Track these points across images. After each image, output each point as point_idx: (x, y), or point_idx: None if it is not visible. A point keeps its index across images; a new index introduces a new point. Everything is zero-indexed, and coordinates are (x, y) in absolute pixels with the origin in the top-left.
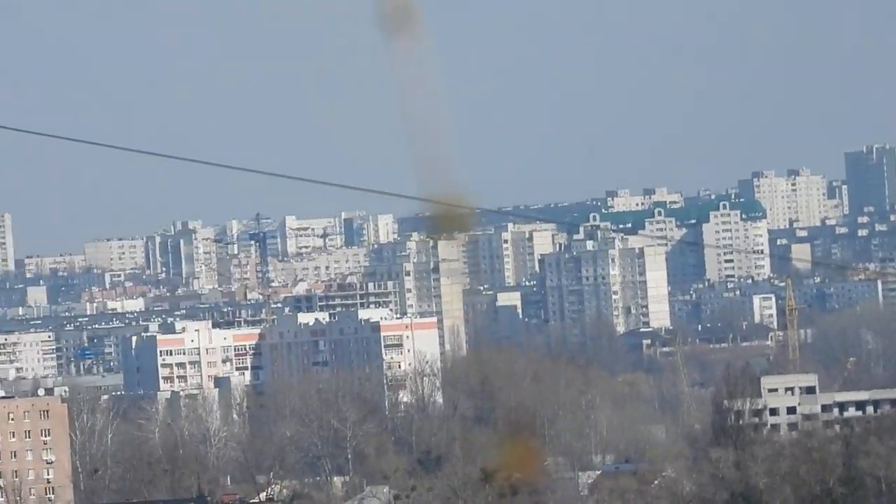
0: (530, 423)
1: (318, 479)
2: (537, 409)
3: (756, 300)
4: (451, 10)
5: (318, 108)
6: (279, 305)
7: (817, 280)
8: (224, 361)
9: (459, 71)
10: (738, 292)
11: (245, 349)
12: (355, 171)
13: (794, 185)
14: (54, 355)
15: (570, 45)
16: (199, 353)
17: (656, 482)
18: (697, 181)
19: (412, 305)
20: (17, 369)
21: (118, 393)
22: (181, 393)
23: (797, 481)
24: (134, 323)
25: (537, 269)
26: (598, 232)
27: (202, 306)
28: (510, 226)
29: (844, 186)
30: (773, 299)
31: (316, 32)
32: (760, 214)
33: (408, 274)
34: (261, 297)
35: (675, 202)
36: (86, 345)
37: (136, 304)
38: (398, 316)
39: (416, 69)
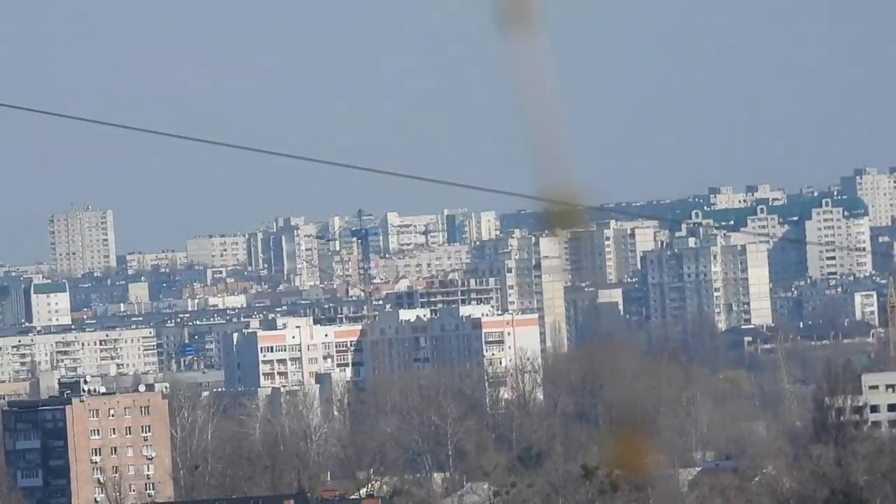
0: (638, 419)
1: (418, 475)
2: (638, 406)
3: (858, 297)
4: (559, 5)
5: (421, 104)
6: (380, 302)
7: None
8: (325, 358)
9: (563, 67)
10: (839, 289)
11: (346, 345)
12: (459, 167)
13: None
14: (155, 351)
15: (672, 42)
16: (300, 350)
17: (756, 479)
18: (800, 178)
19: (513, 302)
20: (118, 365)
21: (219, 389)
22: (282, 389)
23: None
24: (235, 319)
25: (639, 266)
26: (700, 229)
27: (303, 303)
28: (612, 223)
29: None
30: (875, 296)
31: (422, 28)
32: (862, 212)
33: (509, 271)
34: (362, 293)
35: (777, 199)
36: (187, 341)
37: (238, 301)
38: (499, 312)
39: (533, 64)
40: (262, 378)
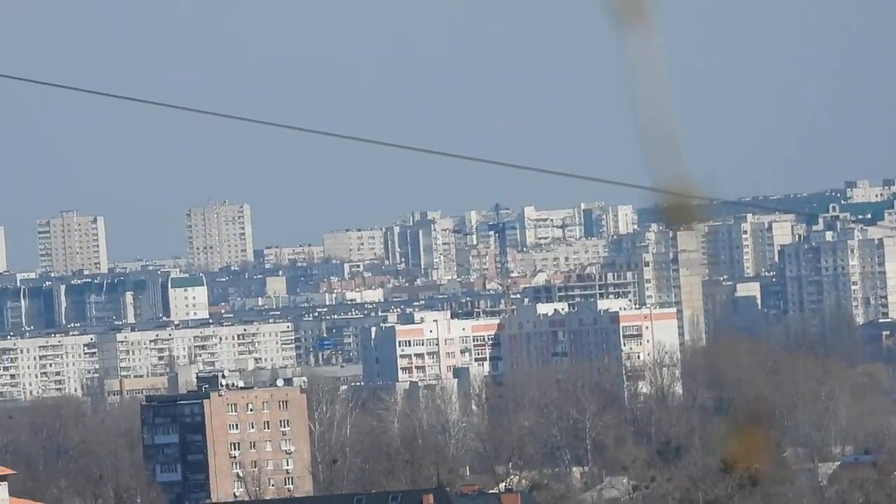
0: (764, 413)
1: (557, 469)
2: (776, 400)
3: None
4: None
5: (557, 98)
6: (518, 296)
7: None
8: (463, 352)
9: (699, 64)
10: None
11: (484, 340)
12: (595, 161)
13: None
14: (293, 346)
15: (806, 35)
16: (437, 344)
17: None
18: None
19: (651, 296)
20: (256, 360)
21: (357, 383)
22: (420, 383)
23: None
24: (373, 313)
25: (776, 259)
26: (838, 223)
27: (441, 297)
28: (749, 216)
29: None
30: None
31: (551, 22)
32: None
33: (647, 264)
34: (500, 287)
35: None
36: (325, 335)
37: (375, 295)
38: (637, 306)
39: (646, 59)
40: (400, 372)
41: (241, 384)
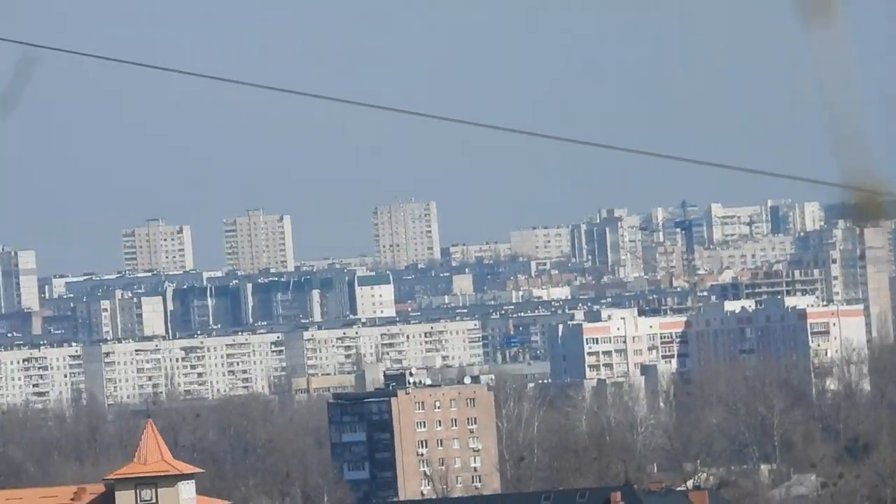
0: None
1: (745, 466)
2: None
3: None
4: None
5: (742, 94)
6: (705, 293)
7: None
8: (650, 349)
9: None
10: None
11: (671, 337)
12: (782, 157)
13: None
14: (480, 343)
15: None
16: (625, 341)
17: None
18: None
19: (838, 293)
20: (444, 357)
21: (544, 381)
22: (607, 381)
23: None
24: (560, 311)
25: None
26: None
27: (628, 294)
28: None
29: None
30: None
31: (739, 19)
32: None
33: (834, 261)
34: (687, 284)
35: None
36: (511, 333)
37: (562, 292)
38: (824, 303)
39: (833, 54)
40: (587, 369)
41: (428, 382)
